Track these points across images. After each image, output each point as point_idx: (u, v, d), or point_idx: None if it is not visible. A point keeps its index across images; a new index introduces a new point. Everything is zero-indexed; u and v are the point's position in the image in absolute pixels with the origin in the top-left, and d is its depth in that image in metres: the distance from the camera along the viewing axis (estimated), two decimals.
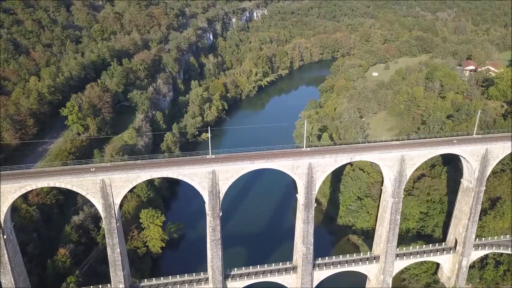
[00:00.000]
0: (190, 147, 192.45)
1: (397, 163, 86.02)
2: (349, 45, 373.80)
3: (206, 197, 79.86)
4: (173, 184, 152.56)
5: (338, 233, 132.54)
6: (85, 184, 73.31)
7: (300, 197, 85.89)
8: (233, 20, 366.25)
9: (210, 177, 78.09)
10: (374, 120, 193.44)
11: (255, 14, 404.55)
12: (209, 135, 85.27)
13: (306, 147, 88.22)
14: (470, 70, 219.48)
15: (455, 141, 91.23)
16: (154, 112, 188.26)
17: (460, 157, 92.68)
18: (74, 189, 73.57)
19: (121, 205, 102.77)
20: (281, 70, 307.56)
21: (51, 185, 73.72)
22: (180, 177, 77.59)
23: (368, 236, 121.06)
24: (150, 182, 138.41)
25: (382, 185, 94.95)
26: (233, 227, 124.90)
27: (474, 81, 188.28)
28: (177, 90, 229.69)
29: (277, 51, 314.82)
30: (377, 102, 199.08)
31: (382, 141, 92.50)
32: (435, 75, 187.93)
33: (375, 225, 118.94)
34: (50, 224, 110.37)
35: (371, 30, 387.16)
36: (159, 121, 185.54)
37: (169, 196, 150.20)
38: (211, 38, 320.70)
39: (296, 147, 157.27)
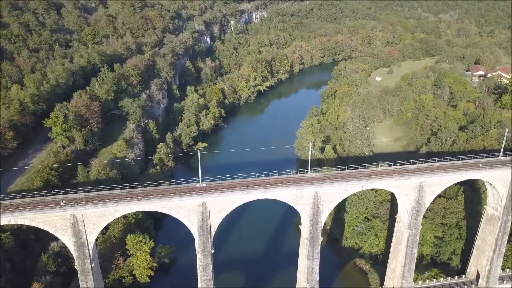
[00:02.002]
0: (185, 157, 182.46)
1: (414, 191, 75.71)
2: (350, 48, 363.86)
3: (195, 233, 69.40)
4: None
5: (343, 256, 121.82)
6: (53, 220, 62.87)
7: (304, 229, 75.42)
8: (232, 22, 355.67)
9: (200, 210, 67.65)
10: (379, 129, 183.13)
11: (254, 16, 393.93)
12: (198, 159, 74.12)
13: (310, 172, 77.42)
14: (480, 76, 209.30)
15: (480, 164, 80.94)
16: (146, 121, 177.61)
17: (485, 182, 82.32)
18: (40, 226, 63.17)
19: (102, 236, 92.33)
20: (281, 74, 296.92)
21: (12, 222, 63.35)
22: (164, 211, 67.24)
23: (377, 262, 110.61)
24: None
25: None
26: (226, 251, 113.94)
27: (485, 88, 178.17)
28: (172, 97, 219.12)
29: (277, 54, 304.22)
30: (382, 110, 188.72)
31: (397, 165, 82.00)
32: (444, 82, 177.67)
33: (385, 249, 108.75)
34: (26, 252, 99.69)
35: (373, 33, 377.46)
36: (151, 131, 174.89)
37: (160, 213, 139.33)
38: (209, 41, 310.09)
39: (298, 164, 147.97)
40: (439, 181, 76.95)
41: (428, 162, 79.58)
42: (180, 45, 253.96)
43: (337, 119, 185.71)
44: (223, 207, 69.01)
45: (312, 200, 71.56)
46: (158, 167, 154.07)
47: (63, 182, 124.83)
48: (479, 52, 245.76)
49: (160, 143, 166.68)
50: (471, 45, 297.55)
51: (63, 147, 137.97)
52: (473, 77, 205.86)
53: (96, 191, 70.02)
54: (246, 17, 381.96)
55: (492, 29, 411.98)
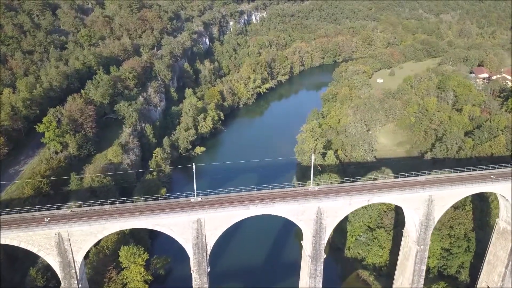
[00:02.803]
0: (183, 162, 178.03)
1: (423, 204, 71.38)
2: (351, 49, 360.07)
3: (190, 251, 65.02)
4: None
5: (346, 267, 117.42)
6: (37, 239, 58.50)
7: (306, 246, 71.05)
8: (231, 23, 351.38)
9: (195, 227, 63.29)
10: (382, 133, 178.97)
11: (253, 16, 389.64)
12: (194, 172, 69.73)
13: (313, 184, 73.02)
14: (484, 78, 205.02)
15: (492, 176, 76.51)
16: (143, 125, 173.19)
17: (498, 195, 78.06)
18: (22, 246, 58.78)
19: (94, 247, 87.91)
20: (281, 76, 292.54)
21: None
22: (157, 228, 62.88)
23: (382, 273, 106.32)
24: None
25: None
26: (223, 266, 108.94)
27: (490, 91, 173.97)
28: (169, 99, 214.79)
29: (277, 55, 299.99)
30: (384, 113, 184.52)
31: (405, 176, 77.65)
32: (448, 85, 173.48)
33: (389, 260, 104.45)
34: (15, 266, 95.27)
35: (374, 33, 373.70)
36: (148, 135, 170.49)
37: None
38: (207, 43, 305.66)
39: (299, 170, 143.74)
40: (449, 194, 72.72)
41: (437, 174, 75.35)
42: (178, 46, 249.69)
43: (338, 122, 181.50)
44: (220, 223, 64.74)
45: (315, 215, 67.30)
46: (154, 172, 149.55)
47: (56, 190, 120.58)
48: (483, 54, 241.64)
49: (157, 148, 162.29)
50: (474, 46, 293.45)
51: (56, 153, 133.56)
52: (477, 80, 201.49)
53: (84, 207, 65.71)
54: (246, 18, 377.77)
55: (494, 30, 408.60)
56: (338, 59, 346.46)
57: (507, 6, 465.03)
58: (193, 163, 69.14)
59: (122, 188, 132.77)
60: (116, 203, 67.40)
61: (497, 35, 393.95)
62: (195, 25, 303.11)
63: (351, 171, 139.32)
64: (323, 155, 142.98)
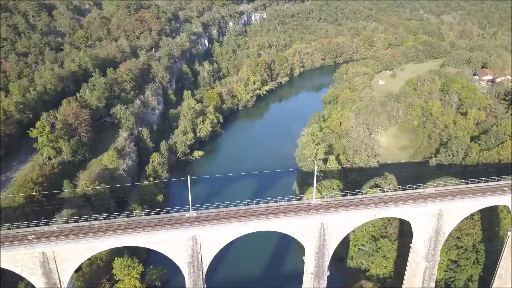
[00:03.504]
0: (181, 167, 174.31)
1: (433, 219, 67.46)
2: (351, 50, 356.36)
3: (184, 270, 61.09)
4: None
5: (348, 277, 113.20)
6: (20, 259, 54.51)
7: (309, 262, 67.17)
8: (230, 24, 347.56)
9: (190, 245, 59.37)
10: (384, 137, 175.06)
11: (253, 17, 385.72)
12: (188, 186, 65.76)
13: (316, 198, 69.05)
14: (488, 81, 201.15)
15: (505, 188, 72.58)
16: (140, 128, 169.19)
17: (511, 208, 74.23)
18: (4, 266, 54.75)
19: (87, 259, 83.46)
20: (281, 78, 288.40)
21: None
22: (149, 246, 58.94)
23: (386, 285, 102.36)
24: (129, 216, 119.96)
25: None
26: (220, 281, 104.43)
27: (495, 94, 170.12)
28: (167, 102, 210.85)
29: (277, 57, 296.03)
30: (387, 117, 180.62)
31: (412, 189, 73.72)
32: (452, 88, 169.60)
33: (394, 271, 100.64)
34: (2, 280, 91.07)
35: (374, 34, 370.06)
36: (145, 139, 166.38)
37: None
38: (206, 44, 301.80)
39: (300, 176, 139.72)
40: (460, 207, 68.83)
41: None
42: (177, 48, 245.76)
43: (340, 126, 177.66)
44: (217, 241, 60.85)
45: (318, 231, 63.44)
46: (151, 178, 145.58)
47: (48, 197, 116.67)
48: (486, 55, 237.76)
49: (154, 153, 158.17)
50: (476, 48, 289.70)
51: (50, 158, 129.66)
52: (481, 82, 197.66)
53: (71, 223, 61.72)
54: (245, 18, 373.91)
55: (496, 31, 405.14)
56: (339, 60, 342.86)
57: (508, 7, 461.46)
58: (188, 176, 65.14)
59: (118, 195, 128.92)
60: (106, 218, 63.47)
61: (499, 36, 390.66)
62: (194, 26, 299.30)
63: (354, 177, 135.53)
64: (325, 161, 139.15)
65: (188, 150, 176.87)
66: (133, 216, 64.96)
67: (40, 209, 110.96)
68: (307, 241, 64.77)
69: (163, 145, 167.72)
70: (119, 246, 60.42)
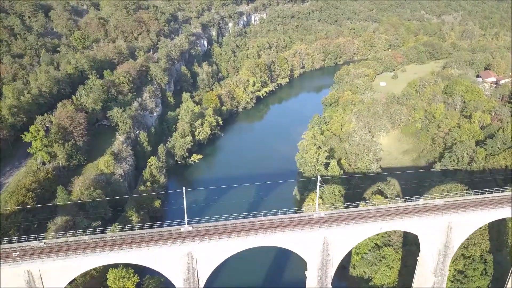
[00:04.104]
0: (179, 170, 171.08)
1: (442, 232, 64.19)
2: (352, 51, 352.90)
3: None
4: (155, 220, 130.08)
5: (351, 286, 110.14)
6: (3, 277, 51.14)
7: (311, 278, 63.93)
8: (230, 24, 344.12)
9: (186, 261, 56.10)
10: (386, 140, 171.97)
11: (253, 18, 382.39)
12: (184, 199, 62.46)
13: (318, 210, 65.74)
14: (491, 83, 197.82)
15: None
16: (137, 132, 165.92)
17: None
18: None
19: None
20: (281, 79, 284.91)
21: None
22: (142, 263, 55.57)
23: None
24: (126, 223, 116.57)
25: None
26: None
27: (499, 97, 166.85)
28: (166, 104, 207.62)
29: (277, 58, 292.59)
30: (389, 119, 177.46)
31: (420, 199, 70.43)
32: (455, 90, 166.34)
33: (398, 281, 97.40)
34: None
35: (375, 35, 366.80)
36: (143, 143, 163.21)
37: None
38: (206, 45, 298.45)
39: (301, 182, 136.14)
40: (471, 220, 65.57)
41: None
42: (176, 49, 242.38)
43: (341, 129, 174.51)
44: (214, 257, 57.57)
45: (321, 246, 60.19)
46: (148, 183, 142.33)
47: (42, 204, 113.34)
48: (489, 57, 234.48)
49: (152, 157, 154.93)
50: (478, 49, 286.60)
51: (44, 163, 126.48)
52: (485, 84, 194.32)
53: (59, 238, 58.39)
54: (245, 19, 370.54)
55: (497, 32, 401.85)
56: (339, 61, 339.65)
57: (509, 7, 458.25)
58: (183, 188, 61.85)
59: (114, 201, 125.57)
60: (96, 233, 60.16)
61: (501, 37, 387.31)
62: (193, 26, 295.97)
63: (356, 183, 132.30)
64: (326, 166, 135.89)
65: (187, 154, 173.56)
66: (125, 230, 61.65)
67: (33, 217, 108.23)
68: (310, 256, 61.49)
69: (161, 148, 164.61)
70: (109, 263, 57.06)
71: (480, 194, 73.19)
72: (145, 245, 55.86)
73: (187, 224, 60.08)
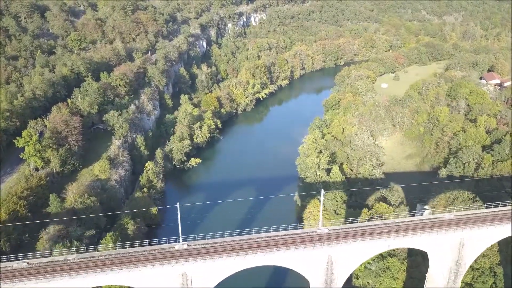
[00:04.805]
0: (177, 175, 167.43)
1: (453, 249, 60.46)
2: (353, 52, 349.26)
3: None
4: (152, 229, 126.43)
5: None
6: None
7: None
8: (229, 25, 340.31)
9: (180, 282, 52.38)
10: (389, 144, 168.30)
11: (252, 18, 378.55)
12: (178, 215, 58.64)
13: (322, 226, 62.04)
14: (495, 85, 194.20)
15: None
16: (134, 135, 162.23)
17: None
18: None
19: None
20: (281, 80, 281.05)
21: None
22: (132, 284, 51.72)
23: None
24: (121, 232, 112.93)
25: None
26: None
27: (504, 100, 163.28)
28: (164, 107, 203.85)
29: (276, 59, 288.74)
30: (391, 122, 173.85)
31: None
32: (460, 93, 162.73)
33: None
34: None
35: (376, 36, 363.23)
36: (140, 147, 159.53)
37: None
38: (205, 46, 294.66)
39: (302, 189, 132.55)
40: (485, 235, 61.92)
41: (468, 209, 64.41)
42: (174, 50, 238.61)
43: (343, 132, 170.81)
44: (210, 277, 53.90)
45: (325, 265, 56.59)
46: (145, 189, 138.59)
47: (34, 212, 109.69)
48: (492, 58, 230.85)
49: (149, 161, 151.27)
50: (481, 50, 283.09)
51: (37, 169, 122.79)
52: (489, 86, 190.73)
53: (44, 257, 54.61)
54: (245, 20, 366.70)
55: (499, 32, 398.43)
56: (340, 62, 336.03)
57: (510, 8, 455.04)
58: (178, 203, 58.20)
59: (109, 208, 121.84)
60: (84, 252, 56.43)
61: (502, 37, 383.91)
62: (192, 27, 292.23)
63: (358, 188, 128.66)
64: (328, 171, 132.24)
65: (185, 158, 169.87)
66: (115, 249, 57.90)
67: (25, 226, 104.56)
68: (313, 275, 57.81)
69: (158, 152, 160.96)
70: (97, 285, 53.34)
71: (493, 207, 69.45)
72: (136, 265, 52.13)
73: (182, 241, 56.40)
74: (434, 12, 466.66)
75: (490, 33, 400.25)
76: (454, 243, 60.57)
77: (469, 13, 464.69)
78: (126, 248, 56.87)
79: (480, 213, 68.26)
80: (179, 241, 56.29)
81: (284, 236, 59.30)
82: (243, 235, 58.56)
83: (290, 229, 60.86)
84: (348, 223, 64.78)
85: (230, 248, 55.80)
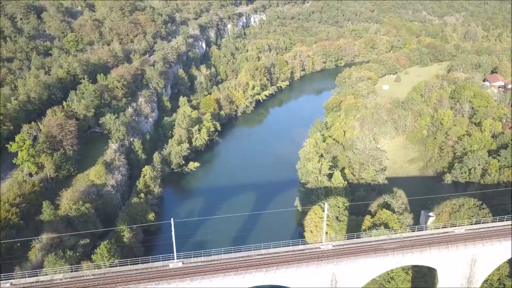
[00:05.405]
0: (175, 179, 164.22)
1: (465, 265, 57.18)
2: (353, 53, 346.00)
3: None
4: (149, 234, 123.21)
5: None
6: None
7: None
8: (229, 26, 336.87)
9: None
10: (391, 147, 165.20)
11: (252, 19, 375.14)
12: (172, 231, 55.24)
13: (325, 241, 58.72)
14: (499, 87, 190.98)
15: None
16: (131, 139, 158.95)
17: None
18: None
19: None
20: (281, 82, 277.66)
21: None
22: None
23: None
24: (117, 240, 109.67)
25: None
26: None
27: (509, 102, 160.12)
28: (162, 109, 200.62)
29: (276, 60, 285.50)
30: (393, 125, 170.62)
31: (438, 227, 63.42)
32: (463, 95, 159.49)
33: None
34: None
35: (377, 36, 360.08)
36: (137, 151, 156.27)
37: (144, 253, 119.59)
38: (204, 47, 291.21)
39: (303, 195, 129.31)
40: (499, 251, 58.65)
41: (480, 223, 60.87)
42: (173, 51, 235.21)
43: (344, 135, 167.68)
44: None
45: (329, 283, 53.31)
46: (142, 194, 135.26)
47: (27, 220, 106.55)
48: (495, 59, 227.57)
49: (146, 166, 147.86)
50: (483, 51, 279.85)
51: (31, 175, 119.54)
52: (493, 89, 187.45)
53: (29, 277, 51.30)
54: (244, 20, 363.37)
55: (500, 33, 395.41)
56: (340, 63, 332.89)
57: (511, 8, 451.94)
58: (171, 219, 54.82)
59: (104, 215, 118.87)
60: (72, 270, 53.12)
61: (504, 38, 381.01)
62: (191, 28, 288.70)
63: (361, 195, 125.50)
64: (329, 176, 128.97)
65: (183, 162, 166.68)
66: (104, 267, 54.53)
67: (17, 234, 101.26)
68: None
69: (156, 156, 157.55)
70: None
71: (506, 220, 66.07)
72: (127, 286, 48.84)
73: (177, 259, 53.07)
74: (435, 13, 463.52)
75: (491, 33, 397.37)
76: (466, 260, 57.27)
77: (470, 13, 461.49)
78: (116, 266, 53.50)
79: (492, 226, 64.83)
80: (173, 259, 52.99)
81: (285, 253, 55.90)
82: (241, 251, 55.24)
83: (292, 245, 57.59)
84: (353, 238, 61.17)
85: (228, 267, 52.45)
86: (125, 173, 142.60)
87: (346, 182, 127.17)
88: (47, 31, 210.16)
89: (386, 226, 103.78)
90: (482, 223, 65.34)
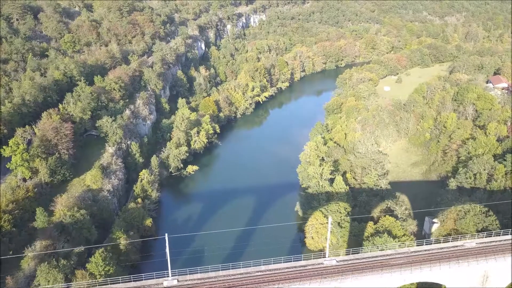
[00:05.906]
0: (173, 183, 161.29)
1: (476, 282, 54.27)
2: (354, 53, 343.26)
3: None
4: (146, 241, 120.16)
5: None
6: None
7: None
8: (228, 26, 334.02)
9: None
10: (393, 151, 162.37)
11: (252, 19, 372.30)
12: (167, 248, 52.33)
13: (329, 256, 55.82)
14: (503, 89, 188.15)
15: None
16: (129, 142, 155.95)
17: None
18: None
19: None
20: (281, 83, 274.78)
21: None
22: None
23: None
24: (113, 247, 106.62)
25: None
26: None
27: None
28: (161, 111, 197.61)
29: (276, 61, 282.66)
30: (395, 128, 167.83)
31: (448, 241, 60.40)
32: (467, 97, 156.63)
33: None
34: None
35: (377, 37, 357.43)
36: (134, 154, 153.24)
37: (139, 260, 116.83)
38: (203, 48, 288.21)
39: (304, 200, 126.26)
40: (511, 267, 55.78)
41: (491, 235, 57.93)
42: (171, 52, 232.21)
43: (345, 138, 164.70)
44: None
45: None
46: (139, 199, 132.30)
47: (20, 226, 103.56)
48: (498, 61, 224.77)
49: (143, 170, 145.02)
50: (485, 51, 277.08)
51: (25, 180, 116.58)
52: (496, 91, 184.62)
53: None
54: (244, 21, 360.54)
55: (502, 33, 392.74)
56: (341, 64, 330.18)
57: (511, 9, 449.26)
58: (166, 234, 51.96)
59: (101, 221, 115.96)
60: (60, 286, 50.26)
61: (505, 39, 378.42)
62: (190, 29, 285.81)
63: (363, 200, 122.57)
64: (331, 181, 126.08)
65: (181, 165, 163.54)
66: (96, 285, 51.67)
67: (10, 242, 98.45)
68: None
69: (154, 160, 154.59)
70: None
71: None
72: None
73: (172, 276, 50.18)
74: (435, 13, 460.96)
75: (492, 34, 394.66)
76: (478, 276, 54.40)
77: (471, 14, 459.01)
78: (107, 284, 50.44)
79: (505, 240, 61.79)
80: (168, 276, 50.09)
81: (286, 269, 52.99)
82: (240, 267, 52.31)
83: (294, 261, 54.63)
84: (357, 252, 57.98)
85: (225, 285, 49.57)
86: (122, 177, 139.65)
87: (347, 187, 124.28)
88: (44, 32, 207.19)
89: (390, 233, 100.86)
90: (494, 235, 62.38)
